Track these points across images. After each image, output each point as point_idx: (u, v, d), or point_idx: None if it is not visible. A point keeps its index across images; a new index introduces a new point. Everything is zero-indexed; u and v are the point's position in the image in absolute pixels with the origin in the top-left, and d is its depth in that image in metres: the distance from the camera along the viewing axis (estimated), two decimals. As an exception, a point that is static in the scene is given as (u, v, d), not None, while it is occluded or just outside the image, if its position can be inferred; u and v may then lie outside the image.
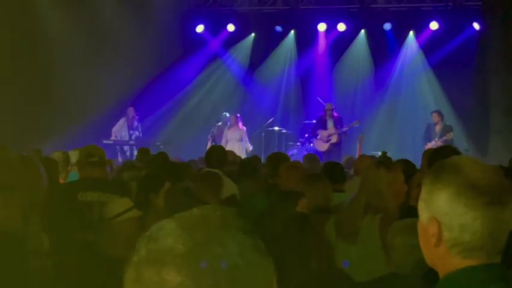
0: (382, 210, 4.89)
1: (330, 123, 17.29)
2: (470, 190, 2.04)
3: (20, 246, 4.34)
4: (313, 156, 9.91)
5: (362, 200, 5.01)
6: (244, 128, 17.77)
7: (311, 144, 17.74)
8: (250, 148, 17.48)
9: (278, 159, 7.72)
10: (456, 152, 5.43)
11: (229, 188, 7.07)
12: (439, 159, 2.27)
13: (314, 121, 18.12)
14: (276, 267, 1.43)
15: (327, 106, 17.53)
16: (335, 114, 17.47)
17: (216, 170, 7.40)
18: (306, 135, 18.06)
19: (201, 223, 1.41)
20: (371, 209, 4.95)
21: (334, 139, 17.18)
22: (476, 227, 2.02)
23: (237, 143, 17.28)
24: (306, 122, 18.76)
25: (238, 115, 17.90)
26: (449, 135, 16.34)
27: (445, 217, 2.06)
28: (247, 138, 17.69)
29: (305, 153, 16.92)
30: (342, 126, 17.28)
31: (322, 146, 17.19)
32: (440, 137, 16.43)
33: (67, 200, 5.68)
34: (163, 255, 1.36)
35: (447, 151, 5.43)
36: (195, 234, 1.38)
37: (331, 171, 7.02)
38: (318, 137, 17.29)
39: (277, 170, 6.79)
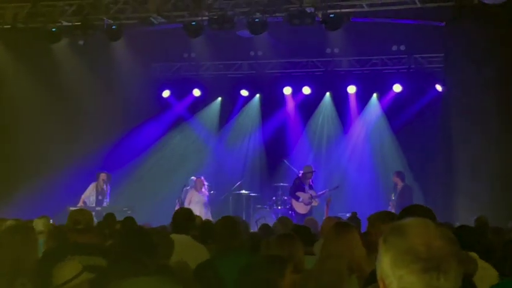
0: (356, 271, 4.89)
1: (307, 186, 17.33)
2: (408, 255, 2.04)
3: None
4: (287, 220, 9.88)
5: (344, 261, 4.98)
6: (207, 192, 17.72)
7: (279, 207, 17.72)
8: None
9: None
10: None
11: (199, 252, 6.99)
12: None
13: (281, 184, 18.21)
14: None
15: (307, 169, 17.57)
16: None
17: (183, 235, 7.33)
18: (274, 198, 18.05)
19: None
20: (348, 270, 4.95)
21: (315, 202, 17.21)
22: None
23: (200, 205, 17.12)
24: (275, 184, 18.72)
25: (202, 178, 17.87)
26: (392, 197, 16.58)
27: (388, 279, 2.08)
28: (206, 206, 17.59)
29: (273, 216, 16.89)
30: (313, 189, 17.34)
31: (303, 209, 17.15)
32: (398, 197, 16.59)
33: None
34: None
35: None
36: None
37: (303, 233, 7.00)
38: (300, 199, 17.25)
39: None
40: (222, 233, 6.59)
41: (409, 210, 4.74)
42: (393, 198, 16.74)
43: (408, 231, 2.09)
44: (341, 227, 5.26)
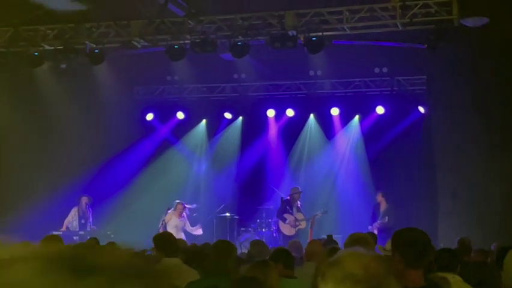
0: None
1: (295, 208, 17.32)
2: (347, 280, 2.08)
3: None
4: (261, 243, 9.87)
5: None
6: (185, 219, 17.46)
7: (263, 230, 17.68)
8: (200, 232, 17.19)
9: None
10: None
11: (192, 277, 6.95)
12: None
13: (266, 206, 18.21)
14: None
15: (294, 190, 17.59)
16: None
17: (175, 259, 7.32)
18: (258, 220, 18.02)
19: None
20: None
21: (303, 225, 17.18)
22: None
23: (175, 230, 16.85)
24: (259, 207, 18.67)
25: (184, 203, 17.67)
26: (385, 220, 16.46)
27: None
28: (190, 227, 17.38)
29: (257, 238, 16.85)
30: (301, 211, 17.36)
31: (290, 231, 17.13)
32: (381, 218, 16.56)
33: None
34: None
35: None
36: None
37: (283, 256, 6.97)
38: (287, 221, 17.23)
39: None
40: (214, 257, 6.58)
41: (406, 232, 4.70)
42: (379, 219, 16.67)
43: (343, 260, 2.15)
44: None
